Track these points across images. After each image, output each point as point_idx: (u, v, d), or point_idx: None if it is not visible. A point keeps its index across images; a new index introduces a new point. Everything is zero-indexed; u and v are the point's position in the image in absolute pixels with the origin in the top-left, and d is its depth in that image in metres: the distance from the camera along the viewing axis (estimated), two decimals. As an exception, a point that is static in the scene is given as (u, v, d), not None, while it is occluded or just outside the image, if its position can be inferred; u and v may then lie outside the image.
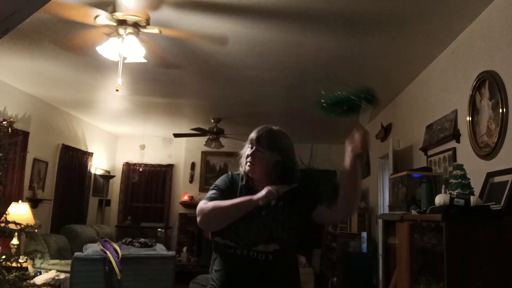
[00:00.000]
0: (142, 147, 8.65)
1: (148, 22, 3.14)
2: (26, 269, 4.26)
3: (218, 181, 1.82)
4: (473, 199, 2.40)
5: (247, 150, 1.79)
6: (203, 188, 8.50)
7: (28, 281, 4.01)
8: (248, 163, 1.75)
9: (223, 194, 1.74)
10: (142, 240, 4.92)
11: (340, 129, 7.35)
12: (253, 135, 1.80)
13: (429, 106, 4.04)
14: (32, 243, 4.65)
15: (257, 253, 1.65)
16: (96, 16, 3.07)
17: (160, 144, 8.82)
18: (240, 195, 1.73)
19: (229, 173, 1.86)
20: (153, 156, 8.79)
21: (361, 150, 1.66)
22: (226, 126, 6.69)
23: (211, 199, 1.72)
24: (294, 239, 1.72)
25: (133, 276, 4.33)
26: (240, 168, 1.83)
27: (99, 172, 8.05)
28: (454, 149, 3.40)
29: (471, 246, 2.30)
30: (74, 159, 6.97)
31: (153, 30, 3.18)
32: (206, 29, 3.40)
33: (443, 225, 2.36)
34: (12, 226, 3.74)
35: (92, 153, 7.66)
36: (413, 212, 3.05)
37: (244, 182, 1.79)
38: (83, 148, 7.36)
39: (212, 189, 1.79)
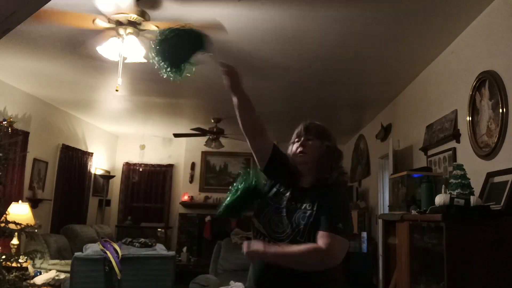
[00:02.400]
0: (142, 147, 8.65)
1: (145, 19, 3.12)
2: (26, 269, 4.26)
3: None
4: (473, 199, 2.40)
5: (293, 145, 1.80)
6: (203, 188, 8.51)
7: (28, 281, 4.02)
8: (300, 154, 1.74)
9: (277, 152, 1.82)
10: (142, 240, 4.91)
11: (340, 129, 7.38)
12: (299, 127, 1.81)
13: (429, 106, 4.04)
14: (32, 243, 4.65)
15: None
16: (94, 20, 3.07)
17: (160, 144, 8.82)
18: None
19: None
20: (153, 156, 8.79)
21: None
22: (226, 126, 6.69)
23: None
24: None
25: (133, 276, 4.33)
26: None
27: (99, 172, 8.05)
28: (454, 149, 3.40)
29: (471, 246, 2.30)
30: (74, 159, 6.97)
31: (149, 27, 3.17)
32: (204, 20, 3.35)
33: (443, 225, 2.36)
34: (12, 226, 3.74)
35: (92, 153, 7.66)
36: (413, 212, 3.05)
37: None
38: (83, 148, 7.36)
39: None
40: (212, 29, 3.44)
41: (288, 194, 1.74)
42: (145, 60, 3.44)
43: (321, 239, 1.56)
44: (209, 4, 3.08)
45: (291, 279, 1.60)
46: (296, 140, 1.79)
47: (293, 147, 1.79)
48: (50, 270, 4.95)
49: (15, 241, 4.50)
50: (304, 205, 1.68)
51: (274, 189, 1.79)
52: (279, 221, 1.68)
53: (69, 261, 4.52)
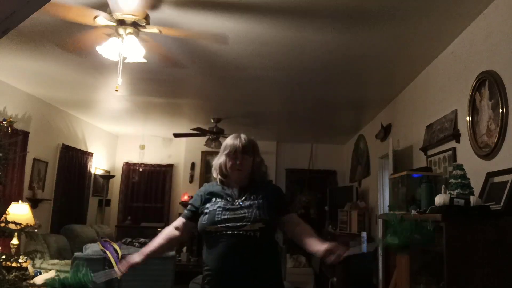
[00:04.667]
0: (142, 147, 8.65)
1: (148, 22, 3.13)
2: (26, 269, 4.26)
3: (193, 199, 2.18)
4: (473, 199, 2.40)
5: (226, 158, 2.09)
6: (203, 188, 8.50)
7: (28, 281, 4.01)
8: (238, 170, 2.07)
9: (194, 211, 2.11)
10: (142, 240, 4.91)
11: (340, 129, 7.38)
12: (235, 143, 2.08)
13: (429, 106, 4.04)
14: (32, 243, 4.64)
15: (246, 231, 1.96)
16: (95, 17, 3.06)
17: (160, 144, 8.82)
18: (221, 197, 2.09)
19: (203, 186, 2.21)
20: (153, 156, 8.79)
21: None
22: (226, 126, 6.69)
23: (183, 215, 2.16)
24: (274, 219, 2.05)
25: (133, 276, 4.29)
26: (216, 175, 2.14)
27: (99, 172, 8.05)
28: (454, 149, 3.40)
29: (471, 246, 2.30)
30: (74, 159, 6.97)
31: (152, 30, 3.18)
32: (207, 28, 3.40)
33: (443, 225, 2.36)
34: (12, 226, 3.73)
35: (92, 153, 7.66)
36: (413, 212, 3.05)
37: (220, 187, 2.13)
38: (83, 148, 7.36)
39: (188, 205, 2.18)
40: (213, 36, 3.47)
41: (224, 200, 2.05)
42: (145, 60, 3.44)
43: (295, 219, 2.13)
44: (208, 11, 3.09)
45: (248, 270, 1.96)
46: (233, 155, 2.07)
47: (228, 160, 2.08)
48: (50, 270, 4.94)
49: (15, 241, 4.50)
50: (252, 196, 2.05)
51: (212, 202, 2.07)
52: (234, 216, 1.99)
53: (69, 261, 4.53)
